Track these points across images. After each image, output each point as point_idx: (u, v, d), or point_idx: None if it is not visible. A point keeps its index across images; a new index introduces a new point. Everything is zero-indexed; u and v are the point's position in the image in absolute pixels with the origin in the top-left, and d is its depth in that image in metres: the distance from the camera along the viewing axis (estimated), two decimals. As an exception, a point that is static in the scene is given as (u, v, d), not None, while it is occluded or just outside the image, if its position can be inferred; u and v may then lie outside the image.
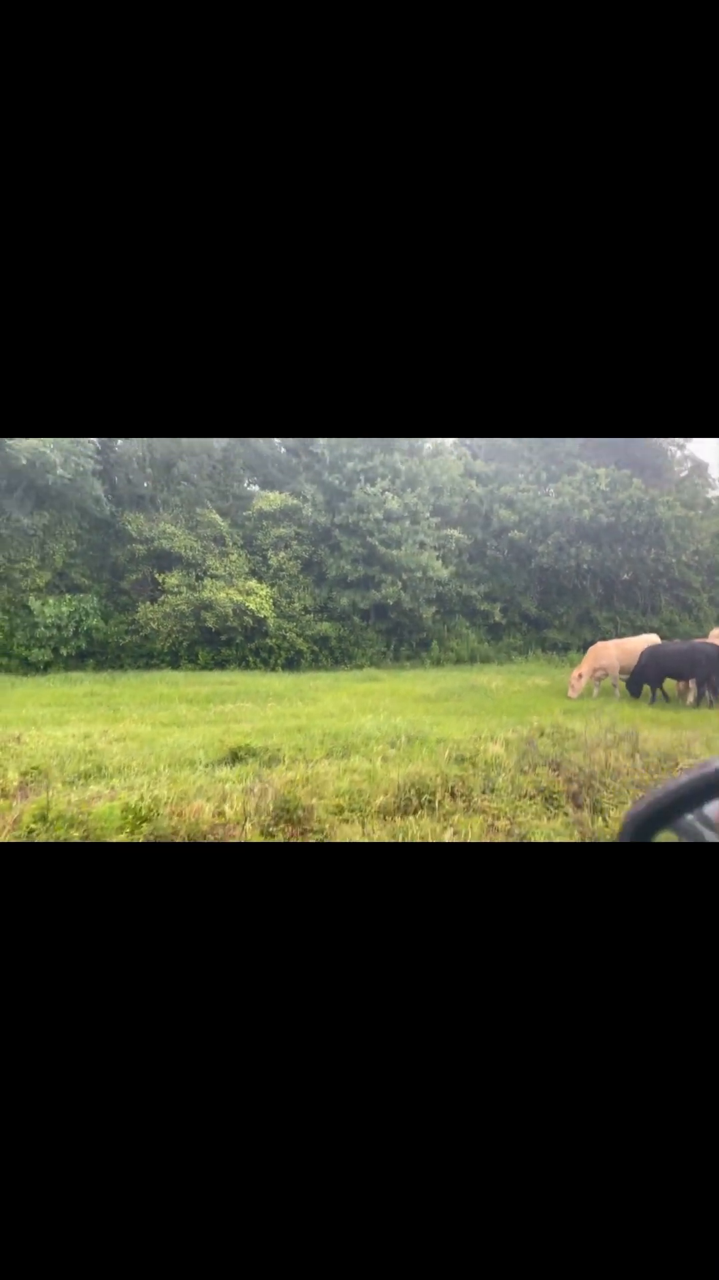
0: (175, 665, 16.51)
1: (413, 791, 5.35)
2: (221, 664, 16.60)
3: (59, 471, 13.25)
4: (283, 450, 19.90)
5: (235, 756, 6.53)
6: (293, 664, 16.90)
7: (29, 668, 15.80)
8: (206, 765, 6.29)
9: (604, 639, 15.68)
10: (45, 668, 15.89)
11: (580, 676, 10.83)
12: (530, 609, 19.22)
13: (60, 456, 13.34)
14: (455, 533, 18.24)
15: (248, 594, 15.73)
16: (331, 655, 17.32)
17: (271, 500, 17.06)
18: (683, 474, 23.03)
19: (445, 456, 18.60)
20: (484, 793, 5.52)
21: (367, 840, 4.69)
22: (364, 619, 17.61)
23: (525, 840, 4.79)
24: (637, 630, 19.26)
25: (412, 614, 17.52)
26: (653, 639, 11.16)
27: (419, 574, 16.62)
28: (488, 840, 4.83)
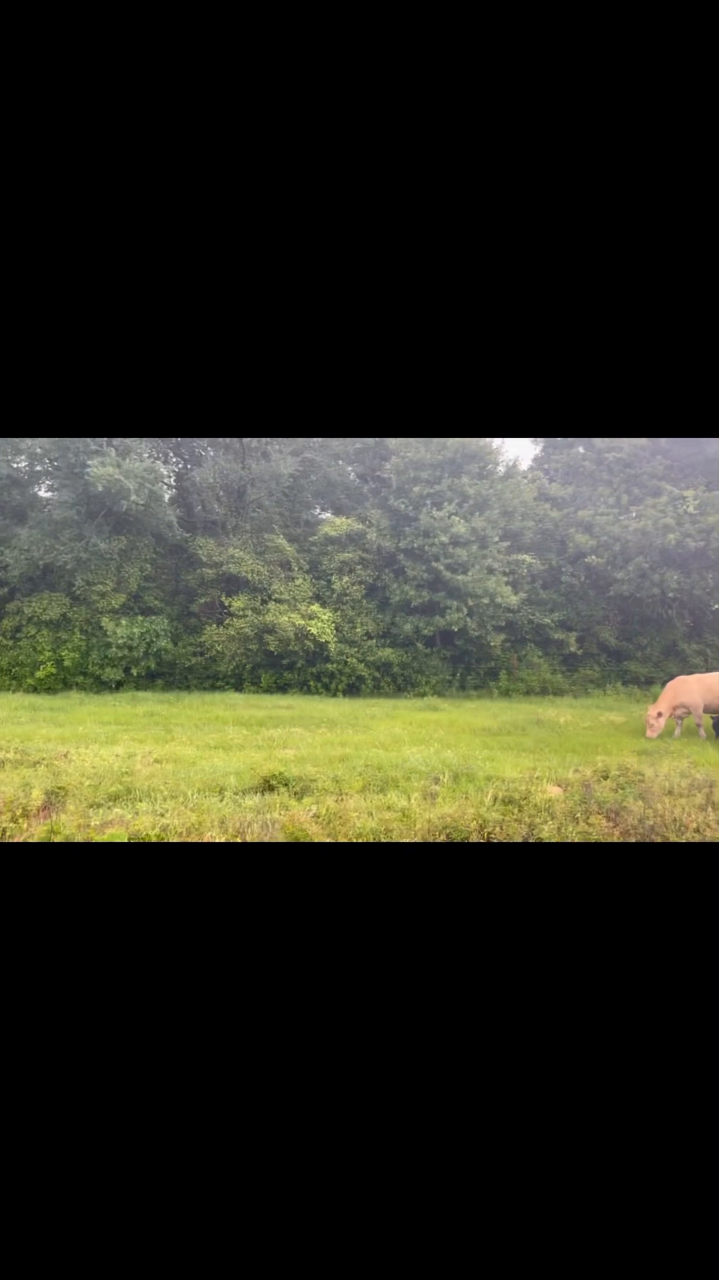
0: (239, 688, 16.65)
1: (443, 836, 4.85)
2: (284, 688, 16.57)
3: (133, 498, 13.78)
4: (353, 476, 19.98)
5: (268, 785, 6.25)
6: (354, 690, 16.63)
7: (102, 686, 16.40)
8: (236, 793, 6.05)
9: (692, 673, 14.40)
10: (117, 686, 16.44)
11: (659, 715, 9.85)
12: (609, 639, 18.05)
13: (135, 484, 13.89)
14: (527, 558, 17.48)
15: (309, 618, 15.67)
16: (394, 682, 16.91)
17: (337, 525, 17.06)
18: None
19: (517, 479, 17.96)
20: (525, 842, 4.92)
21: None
22: (429, 645, 17.13)
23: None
24: (730, 664, 17.65)
25: (479, 641, 16.86)
26: (743, 674, 10.03)
27: (486, 600, 15.99)
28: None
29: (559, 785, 6.81)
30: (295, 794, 6.05)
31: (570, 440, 20.58)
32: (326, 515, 19.27)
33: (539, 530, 18.59)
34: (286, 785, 6.18)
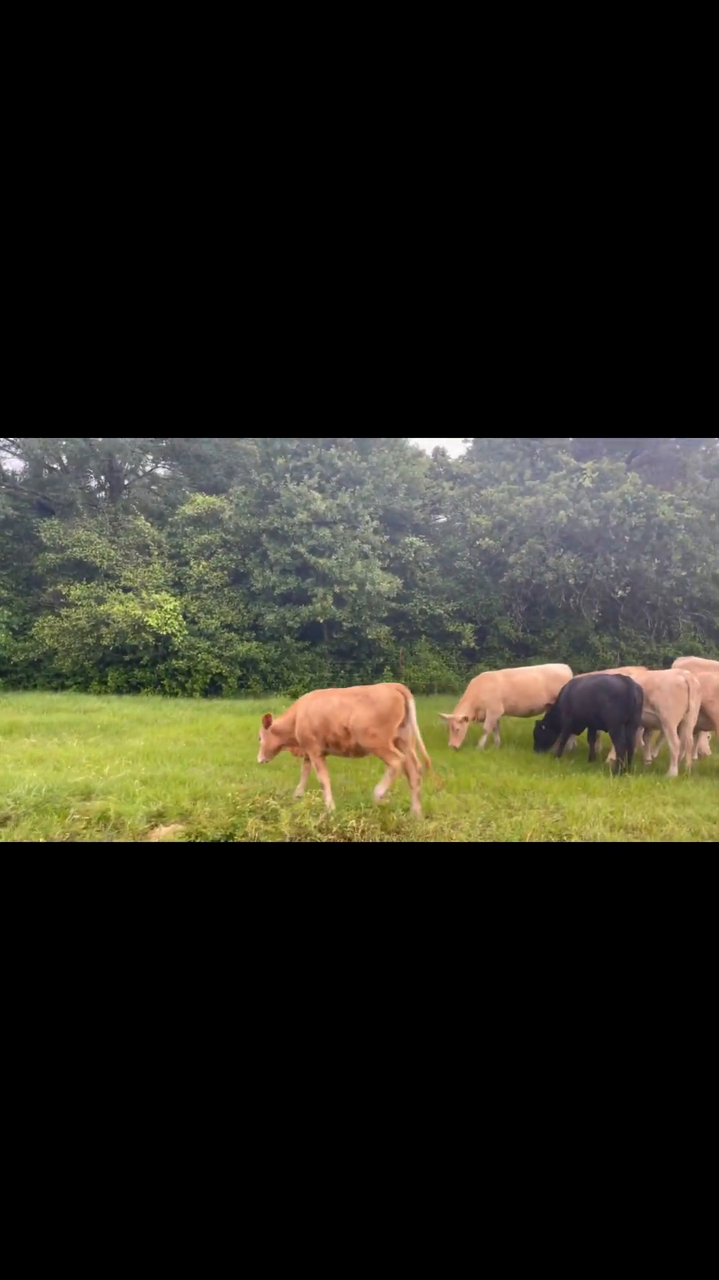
0: (85, 687, 14.83)
1: None
2: (136, 687, 14.71)
3: None
4: (252, 448, 18.06)
5: None
6: (215, 690, 14.74)
7: (-69, 685, 14.65)
8: None
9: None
10: (-51, 685, 14.69)
11: (464, 719, 7.88)
12: (511, 632, 16.05)
13: None
14: (416, 541, 15.53)
15: (150, 608, 13.79)
16: (263, 680, 15.00)
17: (197, 504, 15.18)
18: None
19: (401, 452, 15.97)
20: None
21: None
22: (303, 639, 15.21)
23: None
24: (645, 660, 15.58)
25: (359, 634, 14.93)
26: (561, 670, 8.00)
27: (354, 587, 14.04)
28: None
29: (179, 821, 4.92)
30: None
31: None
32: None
33: (435, 510, 16.64)
34: None
